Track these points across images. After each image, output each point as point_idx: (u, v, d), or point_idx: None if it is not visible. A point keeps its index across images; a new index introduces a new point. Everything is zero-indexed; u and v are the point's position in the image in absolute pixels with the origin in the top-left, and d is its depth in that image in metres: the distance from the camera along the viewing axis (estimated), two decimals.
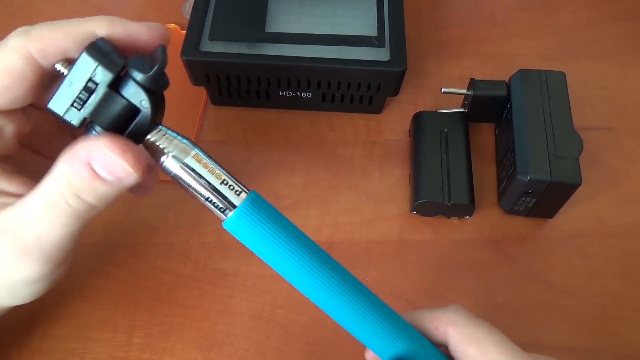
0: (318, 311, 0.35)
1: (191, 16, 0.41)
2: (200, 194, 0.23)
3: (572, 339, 0.35)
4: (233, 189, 0.23)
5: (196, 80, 0.41)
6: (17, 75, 0.23)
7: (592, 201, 0.41)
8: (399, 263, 0.38)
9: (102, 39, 0.23)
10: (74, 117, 0.22)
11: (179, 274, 0.37)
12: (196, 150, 0.23)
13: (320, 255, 0.24)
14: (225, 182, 0.23)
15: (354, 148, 0.43)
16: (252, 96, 0.43)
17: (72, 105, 0.22)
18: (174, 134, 0.23)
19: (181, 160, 0.22)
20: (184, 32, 0.40)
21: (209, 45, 0.39)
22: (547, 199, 0.37)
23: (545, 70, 0.40)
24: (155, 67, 0.22)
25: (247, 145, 0.43)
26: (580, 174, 0.35)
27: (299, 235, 0.23)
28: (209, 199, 0.23)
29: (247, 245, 0.23)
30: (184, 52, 0.39)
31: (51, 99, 0.22)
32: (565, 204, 0.38)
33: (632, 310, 0.36)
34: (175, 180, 0.23)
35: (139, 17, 0.50)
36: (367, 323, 0.24)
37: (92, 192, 0.23)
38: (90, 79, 0.22)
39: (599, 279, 0.38)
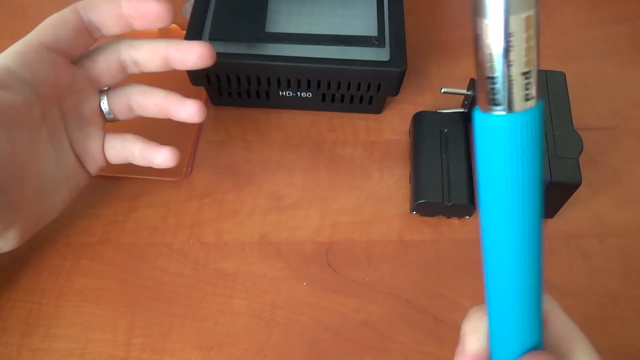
0: (318, 311, 0.36)
1: (191, 16, 0.41)
2: (488, 67, 0.17)
3: None
4: (529, 88, 0.17)
5: (196, 80, 0.41)
6: (62, 18, 0.34)
7: (592, 201, 0.41)
8: (399, 263, 0.38)
9: None
10: None
11: (179, 274, 0.37)
12: (535, 9, 0.16)
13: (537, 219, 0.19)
14: (528, 74, 0.16)
15: (354, 148, 0.43)
16: (252, 96, 0.43)
17: None
18: None
19: (510, 14, 0.16)
20: (184, 32, 0.40)
21: None
22: (547, 199, 0.37)
23: (545, 70, 0.40)
24: None
25: (247, 145, 0.43)
26: (580, 174, 0.35)
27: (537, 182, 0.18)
28: (494, 80, 0.17)
29: (480, 159, 0.18)
30: None
31: None
32: (565, 204, 0.38)
33: (632, 310, 0.36)
34: (476, 33, 0.17)
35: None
36: (527, 301, 0.21)
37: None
38: None
39: (599, 279, 0.38)
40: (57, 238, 0.38)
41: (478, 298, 0.36)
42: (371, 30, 0.41)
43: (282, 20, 0.41)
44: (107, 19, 0.33)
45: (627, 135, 0.44)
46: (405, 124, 0.44)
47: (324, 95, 0.43)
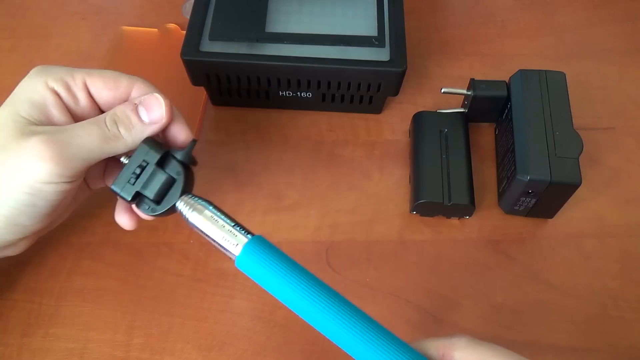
0: None
1: (191, 16, 0.41)
2: (215, 240, 0.28)
3: (572, 339, 0.35)
4: (238, 235, 0.28)
5: (196, 80, 0.41)
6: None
7: (592, 201, 0.41)
8: (399, 263, 0.38)
9: (150, 137, 0.31)
10: (129, 192, 0.30)
11: (179, 274, 0.37)
12: (210, 207, 0.29)
13: (321, 286, 0.26)
14: (232, 230, 0.28)
15: (354, 148, 0.43)
16: (252, 96, 0.43)
17: (127, 182, 0.30)
18: (197, 198, 0.30)
19: (199, 214, 0.29)
20: (184, 32, 0.40)
21: (209, 45, 0.39)
22: (547, 199, 0.37)
23: (545, 70, 0.40)
24: (188, 146, 0.31)
25: (247, 145, 0.43)
26: (580, 174, 0.35)
27: (298, 268, 0.27)
28: (221, 244, 0.28)
29: (256, 281, 0.27)
30: (184, 52, 0.39)
31: (114, 182, 0.30)
32: (565, 204, 0.38)
33: (632, 310, 0.36)
34: (197, 231, 0.29)
35: (139, 17, 0.50)
36: (373, 346, 0.25)
37: (127, 124, 0.30)
38: (143, 160, 0.30)
39: (599, 279, 0.38)
40: (57, 238, 0.38)
41: (478, 298, 0.37)
42: (371, 30, 0.41)
43: (282, 20, 0.41)
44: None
45: (627, 135, 0.44)
46: (405, 124, 0.44)
47: (324, 95, 0.43)
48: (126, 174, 0.30)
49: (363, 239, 0.39)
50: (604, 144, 0.44)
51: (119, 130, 0.30)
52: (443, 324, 0.36)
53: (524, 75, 0.40)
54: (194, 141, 0.32)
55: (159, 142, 0.31)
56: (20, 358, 0.34)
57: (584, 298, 0.37)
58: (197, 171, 0.42)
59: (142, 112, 0.31)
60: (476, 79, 0.41)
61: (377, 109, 0.45)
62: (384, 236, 0.39)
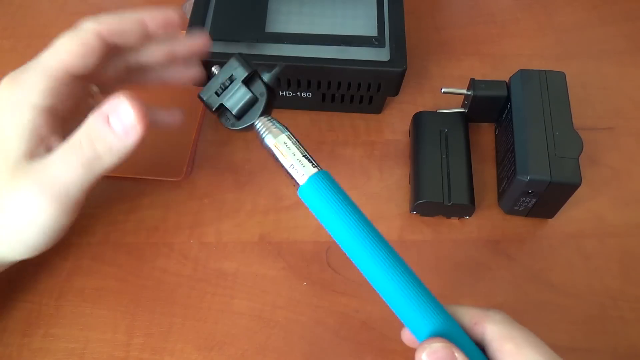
0: (318, 311, 0.36)
1: (191, 16, 0.41)
2: (284, 165, 0.29)
3: (572, 339, 0.35)
4: (307, 164, 0.29)
5: (196, 80, 0.41)
6: (90, 47, 0.30)
7: (592, 201, 0.41)
8: None
9: (242, 54, 0.31)
10: (214, 102, 0.31)
11: (179, 274, 0.37)
12: (287, 132, 0.30)
13: (370, 229, 0.28)
14: (303, 158, 0.29)
15: (354, 148, 0.43)
16: None
17: (214, 93, 0.31)
18: (275, 121, 0.30)
19: (274, 137, 0.29)
20: (184, 32, 0.40)
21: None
22: (547, 199, 0.37)
23: (545, 70, 0.40)
24: (275, 69, 0.31)
25: (247, 145, 0.43)
26: (580, 174, 0.35)
27: (354, 208, 0.28)
28: (288, 170, 0.29)
29: (312, 211, 0.28)
30: None
31: (202, 90, 0.31)
32: (565, 204, 0.38)
33: (632, 310, 0.36)
34: (269, 152, 0.30)
35: None
36: (408, 296, 0.25)
37: (103, 142, 0.28)
38: (231, 75, 0.31)
39: (599, 279, 0.38)
40: None
41: (478, 298, 0.37)
42: (371, 30, 0.41)
43: (282, 20, 0.41)
44: (133, 41, 0.32)
45: (627, 135, 0.44)
46: (405, 124, 0.44)
47: (324, 95, 0.43)
48: (214, 84, 0.31)
49: None
50: (604, 144, 0.44)
51: (97, 151, 0.28)
52: None
53: (524, 75, 0.40)
54: (282, 64, 0.32)
55: (249, 58, 0.31)
56: (20, 358, 0.34)
57: (584, 298, 0.37)
58: (197, 171, 0.42)
59: (115, 122, 0.28)
60: (476, 79, 0.41)
61: (377, 109, 0.45)
62: (384, 236, 0.39)
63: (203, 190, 0.41)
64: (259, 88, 0.31)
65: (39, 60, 0.29)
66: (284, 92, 0.42)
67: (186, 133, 0.42)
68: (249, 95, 0.31)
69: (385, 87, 0.41)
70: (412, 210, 0.39)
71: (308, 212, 0.40)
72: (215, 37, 0.39)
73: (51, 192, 0.28)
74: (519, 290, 0.37)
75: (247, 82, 0.31)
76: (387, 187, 0.41)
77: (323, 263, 0.38)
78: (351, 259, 0.27)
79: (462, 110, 0.43)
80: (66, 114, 0.30)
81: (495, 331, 0.25)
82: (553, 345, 0.35)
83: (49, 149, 0.29)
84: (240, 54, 0.31)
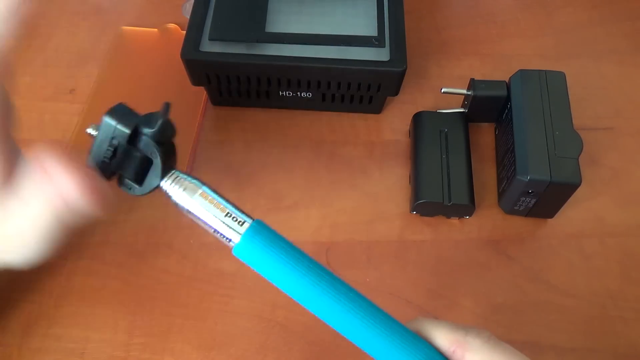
0: None
1: (191, 16, 0.41)
2: (209, 226, 0.25)
3: (572, 339, 0.35)
4: (236, 220, 0.25)
5: (196, 80, 0.41)
6: None
7: (592, 201, 0.41)
8: (399, 263, 0.38)
9: (120, 104, 0.27)
10: (107, 170, 0.26)
11: (179, 274, 0.37)
12: (203, 188, 0.26)
13: (323, 274, 0.25)
14: (229, 214, 0.25)
15: (354, 148, 0.43)
16: (252, 96, 0.43)
17: (103, 159, 0.26)
18: (184, 176, 0.26)
19: (190, 197, 0.25)
20: (184, 32, 0.40)
21: (209, 46, 0.39)
22: (547, 199, 0.37)
23: (545, 70, 0.40)
24: (159, 122, 0.26)
25: (247, 145, 0.43)
26: (580, 174, 0.35)
27: (300, 256, 0.25)
28: (216, 231, 0.25)
29: (256, 270, 0.25)
30: (184, 52, 0.39)
31: (89, 158, 0.26)
32: (565, 204, 0.38)
33: (632, 310, 0.36)
34: (188, 215, 0.26)
35: (139, 17, 0.50)
36: (381, 338, 0.24)
37: (65, 214, 0.24)
38: (113, 137, 0.26)
39: (599, 279, 0.38)
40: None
41: (478, 298, 0.37)
42: (371, 30, 0.41)
43: (282, 20, 0.41)
44: None
45: (627, 135, 0.44)
46: (405, 124, 0.44)
47: (324, 95, 0.43)
48: (99, 149, 0.26)
49: (363, 239, 0.39)
50: (604, 144, 0.44)
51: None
52: None
53: (524, 75, 0.40)
54: (166, 108, 0.26)
55: (127, 109, 0.27)
56: (20, 358, 0.34)
57: (584, 298, 0.37)
58: (197, 171, 0.42)
59: (70, 201, 0.24)
60: (476, 79, 0.41)
61: (377, 109, 0.45)
62: (384, 236, 0.39)
63: None
64: (148, 146, 0.26)
65: None
66: (284, 92, 0.42)
67: (186, 133, 0.42)
68: (139, 156, 0.26)
69: (385, 87, 0.41)
70: (412, 210, 0.39)
71: (308, 212, 0.40)
72: (215, 37, 0.40)
73: (17, 251, 0.26)
74: (519, 290, 0.37)
75: (133, 139, 0.26)
76: (387, 187, 0.41)
77: (323, 263, 0.37)
78: (307, 309, 0.25)
79: (462, 110, 0.43)
80: None
81: None
82: (553, 345, 0.35)
83: None
84: (114, 108, 0.26)
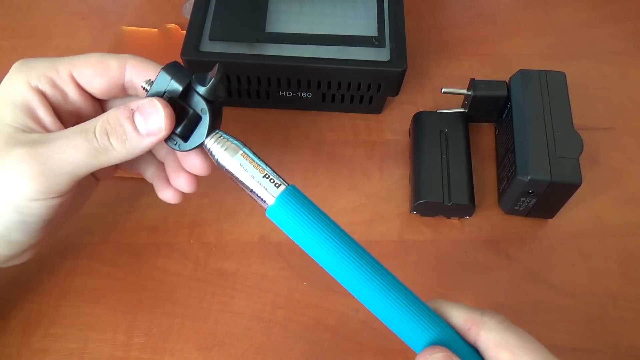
0: (318, 311, 0.36)
1: (191, 16, 0.41)
2: (246, 186, 0.26)
3: (572, 339, 0.35)
4: (274, 182, 0.26)
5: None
6: (107, 71, 0.28)
7: (592, 201, 0.41)
8: (399, 263, 0.38)
9: (175, 62, 0.27)
10: None
11: (179, 274, 0.37)
12: (244, 149, 0.27)
13: (351, 243, 0.25)
14: (267, 176, 0.26)
15: (354, 148, 0.43)
16: (252, 96, 0.43)
17: None
18: (227, 137, 0.27)
19: (231, 157, 0.26)
20: (184, 32, 0.40)
21: (209, 46, 0.39)
22: (547, 199, 0.37)
23: (545, 70, 0.40)
24: (212, 81, 0.26)
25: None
26: (581, 174, 0.35)
27: (330, 223, 0.25)
28: (253, 191, 0.26)
29: (286, 232, 0.26)
30: (184, 52, 0.39)
31: None
32: (565, 204, 0.38)
33: (632, 310, 0.36)
34: (228, 173, 0.27)
35: (139, 17, 0.50)
36: (400, 308, 0.25)
37: (119, 135, 0.26)
38: (165, 92, 0.27)
39: (599, 279, 0.38)
40: (57, 238, 0.38)
41: (478, 298, 0.37)
42: (371, 30, 0.41)
43: (282, 20, 0.41)
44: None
45: (627, 135, 0.44)
46: (405, 124, 0.44)
47: (324, 95, 0.43)
48: None
49: (363, 239, 0.39)
50: (604, 144, 0.44)
51: (110, 142, 0.26)
52: None
53: (524, 75, 0.40)
54: (220, 68, 0.27)
55: (182, 67, 0.27)
56: (20, 358, 0.34)
57: (584, 298, 0.37)
58: None
59: (139, 120, 0.26)
60: (476, 79, 0.41)
61: (377, 109, 0.45)
62: (384, 236, 0.39)
63: (203, 190, 0.40)
64: (199, 103, 0.27)
65: (56, 58, 0.28)
66: (284, 92, 0.42)
67: None
68: (189, 112, 0.27)
69: (385, 87, 0.41)
70: (412, 210, 0.39)
71: None
72: (215, 37, 0.40)
73: (43, 171, 0.26)
74: (519, 290, 0.37)
75: (184, 96, 0.27)
76: (387, 187, 0.41)
77: None
78: (333, 276, 0.26)
79: (462, 110, 0.43)
80: (68, 116, 0.29)
81: (489, 339, 0.24)
82: (553, 345, 0.35)
83: (46, 130, 0.27)
84: (171, 65, 0.27)
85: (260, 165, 0.26)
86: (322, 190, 0.41)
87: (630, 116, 0.45)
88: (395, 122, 0.45)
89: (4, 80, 0.28)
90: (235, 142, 0.27)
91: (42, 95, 0.28)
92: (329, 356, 0.34)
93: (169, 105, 0.26)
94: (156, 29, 0.49)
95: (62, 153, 0.26)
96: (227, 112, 0.45)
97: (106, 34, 0.49)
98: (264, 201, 0.26)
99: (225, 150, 0.27)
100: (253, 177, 0.26)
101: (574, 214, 0.40)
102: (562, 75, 0.39)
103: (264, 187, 0.26)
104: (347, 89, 0.41)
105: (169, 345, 0.34)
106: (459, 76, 0.47)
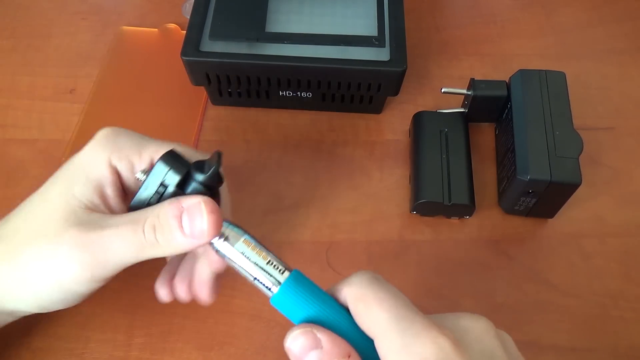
0: None
1: (191, 16, 0.41)
2: (250, 274, 0.25)
3: (572, 338, 0.35)
4: (277, 268, 0.25)
5: (196, 80, 0.41)
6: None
7: (592, 201, 0.41)
8: (399, 263, 0.38)
9: (172, 151, 0.27)
10: None
11: None
12: (246, 236, 0.26)
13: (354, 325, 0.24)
14: (270, 262, 0.25)
15: (354, 148, 0.43)
16: (252, 96, 0.43)
17: (147, 204, 0.27)
18: (227, 223, 0.26)
19: (232, 244, 0.25)
20: (184, 32, 0.40)
21: (209, 45, 0.39)
22: (547, 199, 0.37)
23: (545, 70, 0.40)
24: (212, 169, 0.26)
25: (247, 145, 0.43)
26: (581, 174, 0.35)
27: (336, 307, 0.24)
28: (257, 279, 0.25)
29: (292, 320, 0.25)
30: (184, 52, 0.39)
31: (133, 201, 0.27)
32: (565, 204, 0.38)
33: (632, 310, 0.36)
34: (228, 262, 0.26)
35: (139, 17, 0.50)
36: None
37: (167, 234, 0.26)
38: (162, 182, 0.27)
39: (599, 278, 0.38)
40: None
41: (478, 298, 0.37)
42: (371, 30, 0.41)
43: (282, 20, 0.41)
44: None
45: (627, 135, 0.44)
46: (405, 124, 0.44)
47: (324, 95, 0.43)
48: (145, 193, 0.27)
49: (363, 239, 0.39)
50: (604, 144, 0.44)
51: (156, 239, 0.26)
52: None
53: (524, 75, 0.40)
54: (219, 158, 0.27)
55: (179, 156, 0.27)
56: (20, 358, 0.34)
57: (584, 298, 0.37)
58: None
59: (186, 221, 0.26)
60: (476, 79, 0.41)
61: (377, 109, 0.45)
62: (384, 236, 0.39)
63: None
64: (197, 190, 0.27)
65: (144, 139, 0.29)
66: (284, 92, 0.42)
67: (186, 133, 0.43)
68: None
69: (385, 87, 0.41)
70: (412, 210, 0.39)
71: (308, 212, 0.40)
72: (215, 37, 0.40)
73: (91, 261, 0.26)
74: (519, 290, 0.37)
75: (182, 185, 0.27)
76: (387, 187, 0.41)
77: (323, 263, 0.38)
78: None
79: (462, 110, 0.43)
80: (132, 194, 0.29)
81: (350, 294, 0.23)
82: (553, 345, 0.35)
83: (110, 210, 0.28)
84: (168, 154, 0.27)
85: (263, 252, 0.25)
86: (322, 190, 0.41)
87: (630, 116, 0.45)
88: (395, 122, 0.45)
89: (87, 146, 0.28)
90: (236, 230, 0.26)
91: (118, 176, 0.28)
92: None
93: (217, 211, 0.26)
94: (156, 29, 0.49)
95: (112, 243, 0.26)
96: (228, 112, 0.45)
97: (106, 34, 0.49)
98: (269, 288, 0.25)
99: (224, 238, 0.26)
100: (257, 264, 0.25)
101: (574, 214, 0.40)
102: (562, 75, 0.39)
103: (267, 273, 0.25)
104: (347, 88, 0.41)
105: (169, 345, 0.34)
106: (459, 76, 0.47)
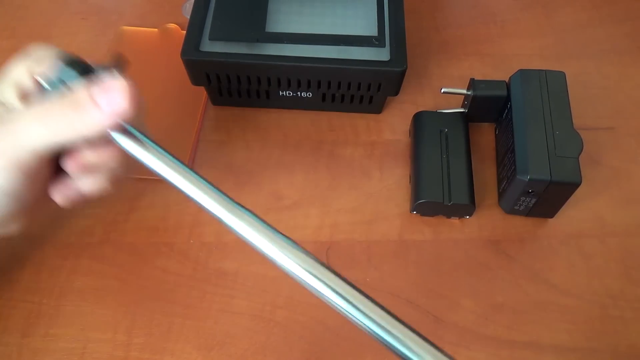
0: (318, 311, 0.36)
1: (191, 16, 0.41)
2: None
3: (572, 338, 0.35)
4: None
5: (196, 80, 0.41)
6: None
7: (592, 201, 0.41)
8: (399, 263, 0.38)
9: (69, 54, 0.28)
10: None
11: (179, 274, 0.37)
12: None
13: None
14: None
15: (354, 148, 0.43)
16: (252, 96, 0.43)
17: None
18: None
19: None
20: (184, 32, 0.40)
21: (209, 45, 0.39)
22: (547, 198, 0.37)
23: (545, 70, 0.40)
24: (110, 64, 0.28)
25: (247, 145, 0.43)
26: (581, 174, 0.35)
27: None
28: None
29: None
30: (184, 52, 0.39)
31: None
32: (565, 204, 0.38)
33: (632, 310, 0.36)
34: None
35: (139, 17, 0.50)
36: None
37: (81, 113, 0.26)
38: (64, 81, 0.27)
39: (599, 278, 0.38)
40: (57, 238, 0.38)
41: (478, 298, 0.37)
42: (371, 30, 0.41)
43: (282, 20, 0.41)
44: None
45: (627, 135, 0.44)
46: (405, 124, 0.44)
47: (324, 95, 0.43)
48: (48, 95, 0.27)
49: (363, 239, 0.39)
50: (604, 143, 0.44)
51: (72, 118, 0.26)
52: (443, 324, 0.36)
53: (524, 75, 0.40)
54: (119, 59, 0.28)
55: (78, 58, 0.28)
56: (20, 358, 0.34)
57: (584, 298, 0.37)
58: (197, 171, 0.41)
59: (101, 98, 0.26)
60: (476, 78, 0.41)
61: (377, 109, 0.45)
62: (384, 236, 0.39)
63: None
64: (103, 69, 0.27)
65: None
66: (284, 92, 0.42)
67: (186, 133, 0.43)
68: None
69: (385, 87, 0.41)
70: (412, 210, 0.39)
71: (308, 212, 0.40)
72: (215, 37, 0.40)
73: (3, 147, 0.26)
74: (519, 290, 0.37)
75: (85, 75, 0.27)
76: (387, 187, 0.41)
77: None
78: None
79: (462, 110, 0.43)
80: None
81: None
82: (553, 345, 0.35)
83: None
84: (66, 56, 0.28)
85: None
86: (322, 190, 0.41)
87: (630, 116, 0.45)
88: (395, 122, 0.45)
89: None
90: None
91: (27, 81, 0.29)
92: (329, 356, 0.34)
93: (134, 87, 0.27)
94: (156, 29, 0.49)
95: (25, 127, 0.26)
96: (228, 112, 0.45)
97: (106, 34, 0.49)
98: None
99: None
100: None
101: (574, 214, 0.40)
102: (562, 75, 0.39)
103: None
104: (347, 88, 0.41)
105: (169, 345, 0.34)
106: (459, 76, 0.47)
